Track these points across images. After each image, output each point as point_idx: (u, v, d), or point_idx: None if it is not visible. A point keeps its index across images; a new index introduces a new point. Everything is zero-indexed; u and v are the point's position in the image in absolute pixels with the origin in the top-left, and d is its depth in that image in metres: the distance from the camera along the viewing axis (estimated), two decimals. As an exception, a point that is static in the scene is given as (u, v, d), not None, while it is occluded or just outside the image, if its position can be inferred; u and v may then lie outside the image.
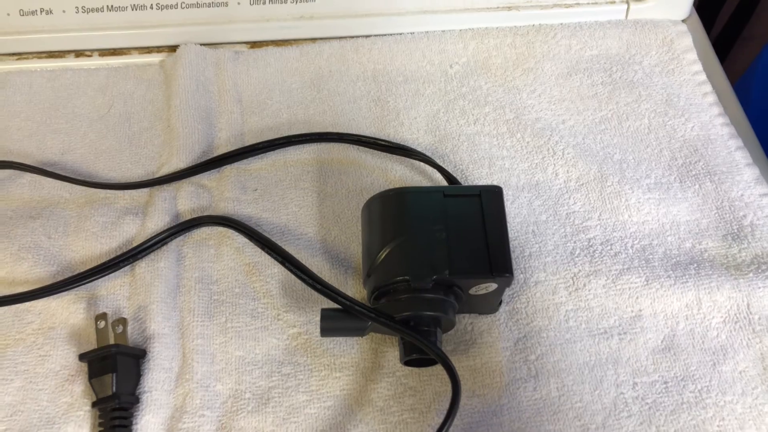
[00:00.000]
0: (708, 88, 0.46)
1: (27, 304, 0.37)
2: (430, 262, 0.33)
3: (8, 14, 0.48)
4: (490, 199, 0.35)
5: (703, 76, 0.47)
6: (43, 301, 0.37)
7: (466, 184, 0.42)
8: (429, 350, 0.32)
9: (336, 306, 0.34)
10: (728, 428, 0.33)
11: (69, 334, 0.36)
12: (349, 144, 0.44)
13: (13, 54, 0.50)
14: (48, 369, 0.35)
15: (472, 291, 0.34)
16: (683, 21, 0.50)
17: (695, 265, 0.38)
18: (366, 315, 0.33)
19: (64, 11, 0.48)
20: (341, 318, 0.34)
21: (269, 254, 0.37)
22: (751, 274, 0.38)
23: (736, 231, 0.40)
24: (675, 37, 0.49)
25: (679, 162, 0.43)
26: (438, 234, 0.34)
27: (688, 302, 0.37)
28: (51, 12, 0.48)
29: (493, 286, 0.34)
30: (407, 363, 0.34)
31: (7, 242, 0.39)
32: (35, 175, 0.43)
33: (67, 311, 0.37)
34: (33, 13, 0.48)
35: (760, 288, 0.37)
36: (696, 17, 0.51)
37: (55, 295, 0.37)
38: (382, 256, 0.34)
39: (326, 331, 0.34)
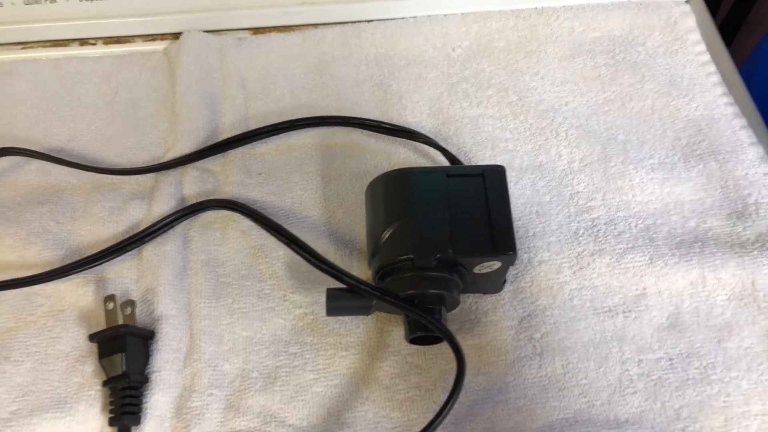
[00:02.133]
0: (712, 68, 0.46)
1: (37, 288, 0.38)
2: (433, 240, 0.33)
3: (13, 3, 0.48)
4: (493, 178, 0.35)
5: (706, 56, 0.47)
6: (52, 284, 0.38)
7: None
8: (434, 327, 0.32)
9: (341, 286, 0.35)
10: (734, 404, 0.34)
11: (79, 316, 0.37)
12: (352, 127, 0.44)
13: (18, 43, 0.50)
14: (58, 350, 0.36)
15: (476, 270, 0.34)
16: (686, 2, 0.50)
17: (699, 243, 0.38)
18: (371, 294, 0.34)
19: (68, 0, 0.48)
20: (347, 297, 0.34)
21: (275, 236, 0.38)
22: (755, 252, 0.38)
23: (740, 209, 0.40)
24: (678, 17, 0.49)
25: (683, 142, 0.43)
26: (441, 213, 0.34)
27: (693, 280, 0.37)
28: (55, 1, 0.48)
29: (496, 265, 0.34)
30: (412, 341, 0.34)
31: (16, 227, 0.40)
32: (42, 161, 0.43)
33: (76, 294, 0.37)
34: (37, 1, 0.48)
35: (765, 265, 0.37)
36: (699, -3, 0.51)
37: (64, 279, 0.38)
38: (386, 236, 0.34)
39: (332, 310, 0.34)
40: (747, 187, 0.40)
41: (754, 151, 0.42)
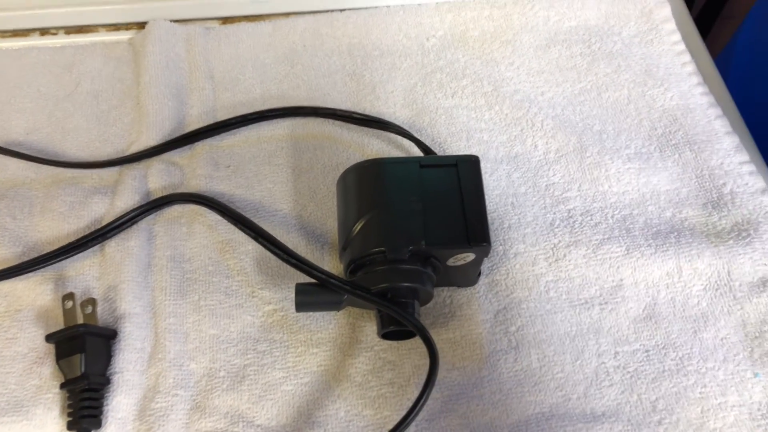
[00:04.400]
0: (687, 57, 0.46)
1: (-8, 287, 0.36)
2: (406, 232, 0.32)
3: (-31, -9, 0.46)
4: (467, 168, 0.34)
5: (682, 46, 0.46)
6: (8, 282, 0.36)
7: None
8: (406, 321, 0.31)
9: (311, 281, 0.34)
10: (710, 395, 0.33)
11: (36, 316, 0.35)
12: (323, 118, 0.43)
13: (-24, 33, 0.48)
14: (15, 352, 0.34)
15: (450, 262, 0.33)
16: (662, -9, 0.50)
17: (676, 233, 0.38)
18: (342, 288, 0.32)
19: (28, -13, 0.47)
20: (317, 292, 0.33)
21: (242, 230, 0.36)
22: (731, 242, 0.37)
23: (716, 199, 0.39)
24: (654, 7, 0.48)
25: (659, 132, 0.42)
26: (414, 205, 0.33)
27: (669, 270, 0.37)
28: (14, -12, 0.47)
29: (470, 257, 0.33)
30: (385, 336, 0.33)
31: (-29, 224, 0.38)
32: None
33: (34, 293, 0.36)
34: (-5, -11, 0.47)
35: (740, 255, 0.37)
36: (675, -13, 0.51)
37: (21, 277, 0.36)
38: (358, 228, 0.33)
39: (301, 305, 0.33)
40: (722, 177, 0.40)
41: (729, 141, 0.42)
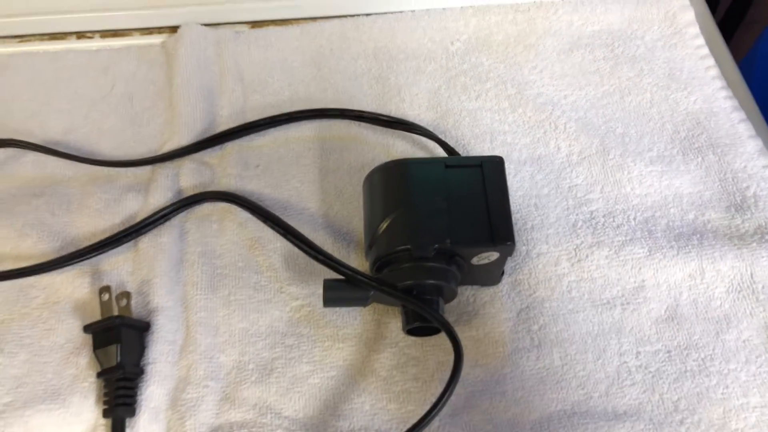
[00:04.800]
0: (711, 61, 0.46)
1: (31, 280, 0.37)
2: (431, 231, 0.33)
3: (10, -4, 0.48)
4: (492, 169, 0.35)
5: (705, 50, 0.47)
6: (47, 276, 0.37)
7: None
8: (431, 317, 0.32)
9: (339, 277, 0.34)
10: (732, 395, 0.33)
11: (73, 308, 0.36)
12: (350, 120, 0.44)
13: (15, 36, 0.50)
14: (53, 342, 0.35)
15: (474, 260, 0.34)
16: (685, -4, 0.50)
17: (698, 235, 0.38)
18: (368, 284, 0.33)
19: (65, -8, 0.48)
20: (344, 288, 0.34)
21: (272, 228, 0.37)
22: (754, 244, 0.37)
23: (739, 202, 0.40)
24: (677, 11, 0.49)
25: (682, 135, 0.43)
26: (439, 204, 0.34)
27: (691, 272, 0.37)
28: (53, -7, 0.48)
29: (494, 255, 0.34)
30: (409, 332, 0.34)
31: (12, 219, 0.40)
32: (38, 153, 0.43)
33: (72, 286, 0.37)
34: (35, -6, 0.48)
35: (763, 257, 0.37)
36: (698, -8, 0.51)
37: (59, 270, 0.37)
38: (384, 227, 0.34)
39: (329, 301, 0.34)
40: (746, 180, 0.40)
41: (753, 144, 0.42)
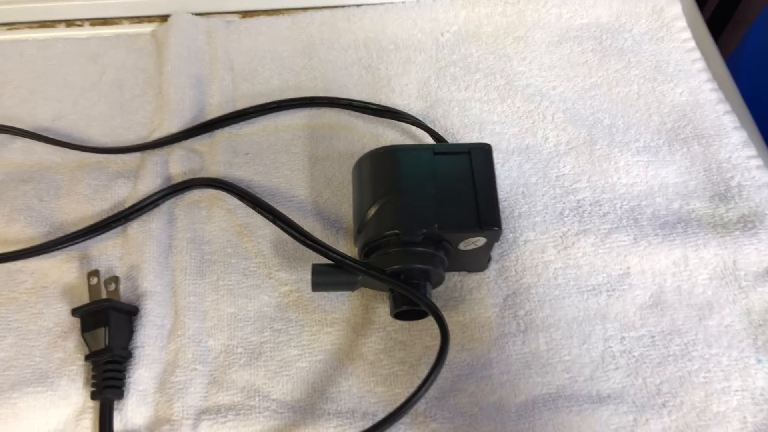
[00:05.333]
0: (697, 54, 0.47)
1: (19, 264, 0.37)
2: (419, 216, 0.33)
3: (-1, -17, 0.48)
4: (480, 156, 0.35)
5: (692, 43, 0.47)
6: (35, 260, 0.37)
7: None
8: (418, 300, 0.32)
9: (327, 262, 0.35)
10: (714, 380, 0.34)
11: (62, 293, 0.36)
12: (339, 108, 0.44)
13: (4, 24, 0.50)
14: (40, 326, 0.35)
15: (462, 246, 0.34)
16: (673, -10, 0.50)
17: (683, 224, 0.39)
18: (357, 269, 0.34)
19: (55, -20, 0.48)
20: (332, 272, 0.34)
21: (261, 214, 0.38)
22: (737, 233, 0.38)
23: (723, 192, 0.40)
24: (665, 5, 0.49)
25: (668, 126, 0.43)
26: (428, 190, 0.34)
27: (676, 259, 0.37)
28: (42, -19, 0.48)
29: (481, 241, 0.34)
30: (397, 315, 0.34)
31: (-1, 204, 0.40)
32: (27, 140, 0.43)
33: (60, 270, 0.37)
34: (24, -19, 0.48)
35: (746, 245, 0.37)
36: (685, -14, 0.51)
37: (47, 255, 0.37)
38: (373, 212, 0.34)
39: (318, 285, 0.34)
40: (730, 170, 0.41)
41: (738, 135, 0.42)
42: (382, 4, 0.49)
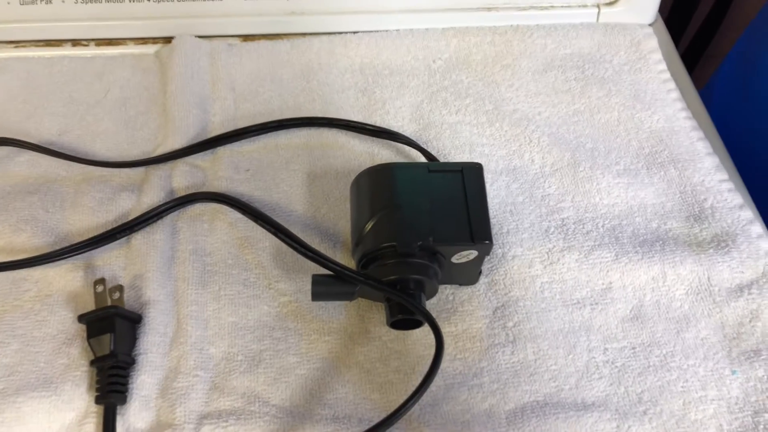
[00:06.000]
0: (672, 85, 0.50)
1: (24, 273, 0.38)
2: (415, 229, 0.35)
3: (8, 3, 0.50)
4: (472, 174, 0.38)
5: (667, 75, 0.50)
6: (40, 269, 0.38)
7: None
8: (414, 308, 0.34)
9: (327, 272, 0.36)
10: (691, 389, 0.36)
11: (66, 301, 0.37)
12: (337, 129, 0.46)
13: (11, 42, 0.51)
14: (45, 333, 0.36)
15: (454, 259, 0.36)
16: (650, 25, 0.54)
17: (661, 242, 0.41)
18: (355, 279, 0.35)
19: (63, 1, 0.50)
20: (331, 283, 0.36)
21: (262, 226, 0.39)
22: (711, 251, 0.41)
23: (697, 213, 0.43)
24: (642, 39, 0.52)
25: (646, 151, 0.46)
26: (423, 204, 0.36)
27: (654, 275, 0.40)
28: (50, 2, 0.50)
29: (473, 254, 0.36)
30: (393, 325, 0.36)
31: (6, 215, 0.41)
32: (33, 153, 0.44)
33: (64, 279, 0.38)
34: (33, 2, 0.50)
35: (719, 263, 0.40)
36: (661, 22, 0.55)
37: (52, 264, 0.38)
38: (370, 226, 0.36)
39: (317, 295, 0.36)
40: (704, 193, 0.44)
41: (710, 161, 0.45)
42: (377, 31, 0.52)
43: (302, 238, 0.39)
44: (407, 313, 0.35)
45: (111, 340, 0.34)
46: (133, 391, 0.34)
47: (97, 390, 0.33)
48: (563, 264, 0.40)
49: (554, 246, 0.41)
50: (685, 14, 0.86)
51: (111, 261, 0.39)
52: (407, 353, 0.37)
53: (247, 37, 0.52)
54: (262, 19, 0.52)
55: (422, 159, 0.44)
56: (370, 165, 0.44)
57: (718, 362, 0.37)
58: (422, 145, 0.45)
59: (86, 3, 0.50)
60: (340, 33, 0.52)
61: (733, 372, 0.37)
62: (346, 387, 0.35)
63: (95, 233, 0.40)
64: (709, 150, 0.46)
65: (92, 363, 0.34)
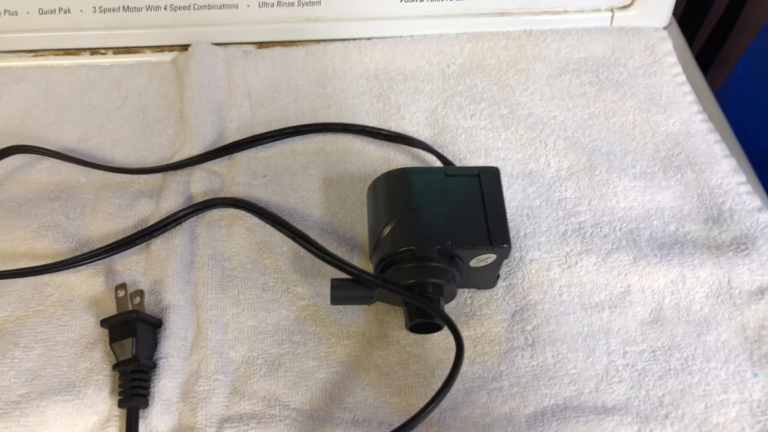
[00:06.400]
0: (687, 88, 0.50)
1: (46, 278, 0.39)
2: (433, 233, 0.35)
3: (27, 12, 0.50)
4: (489, 178, 0.38)
5: (682, 78, 0.50)
6: (62, 275, 0.39)
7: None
8: (433, 312, 0.34)
9: (345, 276, 0.36)
10: (713, 392, 0.36)
11: (87, 306, 0.38)
12: (353, 134, 0.46)
13: (30, 51, 0.52)
14: (67, 337, 0.37)
15: (473, 263, 0.36)
16: (664, 28, 0.54)
17: (679, 245, 0.41)
18: (374, 283, 0.35)
19: (81, 10, 0.51)
20: (350, 287, 0.36)
21: (280, 231, 0.39)
22: (731, 253, 0.40)
23: (716, 215, 0.43)
24: (656, 42, 0.52)
25: (662, 154, 0.46)
26: (441, 209, 0.36)
27: (673, 278, 0.40)
28: (69, 11, 0.51)
29: (491, 258, 0.36)
30: (412, 328, 0.36)
31: (28, 221, 0.41)
32: (53, 160, 0.44)
33: (86, 284, 0.39)
34: (52, 11, 0.51)
35: (739, 266, 0.40)
36: (675, 25, 0.55)
37: (73, 269, 0.39)
38: (388, 230, 0.36)
39: (336, 299, 0.36)
40: (721, 195, 0.43)
41: (728, 163, 0.45)
42: (391, 37, 0.52)
43: (320, 243, 0.39)
44: (426, 317, 0.35)
45: (133, 344, 0.34)
46: (154, 394, 0.35)
47: (120, 394, 0.34)
48: (581, 267, 0.40)
49: (572, 249, 0.41)
50: (697, 17, 0.86)
51: (131, 266, 0.40)
52: (426, 357, 0.37)
53: (262, 44, 0.53)
54: (277, 26, 0.52)
55: (438, 163, 0.44)
56: (386, 170, 0.44)
57: (740, 365, 0.37)
58: (438, 150, 0.45)
59: (104, 12, 0.51)
60: (355, 39, 0.52)
61: (755, 375, 0.36)
62: (366, 390, 0.35)
63: (115, 239, 0.40)
64: (726, 152, 0.46)
65: (114, 367, 0.35)
